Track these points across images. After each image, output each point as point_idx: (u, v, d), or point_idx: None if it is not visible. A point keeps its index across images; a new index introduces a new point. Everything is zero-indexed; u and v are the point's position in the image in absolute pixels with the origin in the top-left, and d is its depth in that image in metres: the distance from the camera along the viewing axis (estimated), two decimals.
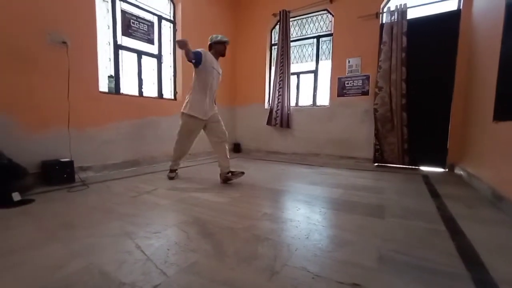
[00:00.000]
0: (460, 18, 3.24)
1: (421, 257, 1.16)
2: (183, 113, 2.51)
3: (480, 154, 2.50)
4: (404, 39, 3.45)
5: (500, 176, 1.99)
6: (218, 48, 2.56)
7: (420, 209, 1.85)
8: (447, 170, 3.42)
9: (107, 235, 1.35)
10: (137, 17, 3.31)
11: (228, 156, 2.60)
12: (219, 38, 2.53)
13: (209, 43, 2.58)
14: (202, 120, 2.50)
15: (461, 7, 3.26)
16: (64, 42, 2.51)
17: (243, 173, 2.57)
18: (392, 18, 3.54)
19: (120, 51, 3.17)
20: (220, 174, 2.57)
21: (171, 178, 2.69)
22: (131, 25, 3.24)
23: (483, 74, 2.56)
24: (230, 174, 2.53)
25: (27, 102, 2.31)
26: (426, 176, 3.05)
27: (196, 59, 2.35)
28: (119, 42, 3.15)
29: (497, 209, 1.84)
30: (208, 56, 2.47)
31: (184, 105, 2.53)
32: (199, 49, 2.40)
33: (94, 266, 1.04)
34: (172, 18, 3.90)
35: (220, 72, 2.64)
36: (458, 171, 3.20)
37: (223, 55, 2.62)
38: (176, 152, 2.71)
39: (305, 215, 1.69)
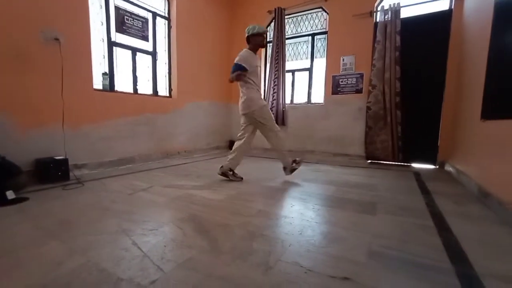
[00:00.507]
0: (452, 18, 3.30)
1: (409, 251, 1.21)
2: (261, 107, 2.48)
3: (468, 151, 2.58)
4: (398, 38, 3.49)
5: (486, 173, 2.06)
6: (256, 41, 2.44)
7: (411, 205, 1.91)
8: (437, 167, 3.51)
9: (104, 232, 1.36)
10: (131, 13, 3.27)
11: (243, 156, 2.64)
12: (256, 29, 2.39)
13: (246, 35, 2.47)
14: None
15: (452, 7, 3.32)
16: (57, 39, 2.48)
17: (242, 179, 2.59)
18: (386, 17, 3.58)
19: (114, 48, 3.14)
20: (222, 166, 2.58)
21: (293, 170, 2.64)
22: (125, 22, 3.21)
23: (472, 73, 2.62)
24: (231, 172, 2.58)
25: (20, 100, 2.28)
26: (417, 173, 3.13)
27: (241, 69, 2.38)
28: (113, 39, 3.12)
29: (483, 205, 1.91)
30: (250, 57, 2.42)
31: (250, 103, 2.49)
32: (239, 59, 2.39)
33: (92, 263, 1.07)
34: (166, 15, 3.86)
35: (259, 65, 2.55)
36: (448, 168, 3.29)
37: (262, 46, 2.49)
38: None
39: (299, 212, 1.73)
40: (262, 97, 2.55)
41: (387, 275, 1.03)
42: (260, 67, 2.56)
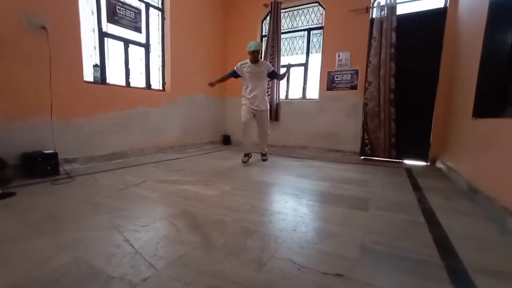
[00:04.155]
0: (446, 16, 3.31)
1: (400, 247, 1.23)
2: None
3: (459, 149, 2.62)
4: (393, 34, 3.49)
5: (476, 170, 2.10)
6: (250, 56, 3.09)
7: (402, 201, 1.93)
8: (429, 163, 3.57)
9: (95, 228, 1.34)
10: (123, 3, 3.17)
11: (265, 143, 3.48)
12: (252, 48, 3.01)
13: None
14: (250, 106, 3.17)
15: (447, 5, 3.33)
16: (44, 27, 2.38)
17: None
18: (382, 13, 3.57)
19: (105, 39, 3.04)
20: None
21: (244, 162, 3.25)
22: (117, 12, 3.11)
23: (465, 72, 2.65)
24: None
25: (3, 90, 2.18)
26: (409, 170, 3.18)
27: (234, 76, 3.24)
28: (104, 29, 3.02)
29: (471, 201, 1.96)
30: (243, 65, 3.15)
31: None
32: (235, 68, 3.21)
33: (82, 260, 1.04)
34: (160, 6, 3.76)
35: (260, 70, 3.13)
36: (439, 165, 3.35)
37: (254, 61, 3.09)
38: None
39: (292, 208, 1.73)
40: (253, 93, 3.18)
41: (378, 270, 1.04)
42: (260, 72, 3.13)
